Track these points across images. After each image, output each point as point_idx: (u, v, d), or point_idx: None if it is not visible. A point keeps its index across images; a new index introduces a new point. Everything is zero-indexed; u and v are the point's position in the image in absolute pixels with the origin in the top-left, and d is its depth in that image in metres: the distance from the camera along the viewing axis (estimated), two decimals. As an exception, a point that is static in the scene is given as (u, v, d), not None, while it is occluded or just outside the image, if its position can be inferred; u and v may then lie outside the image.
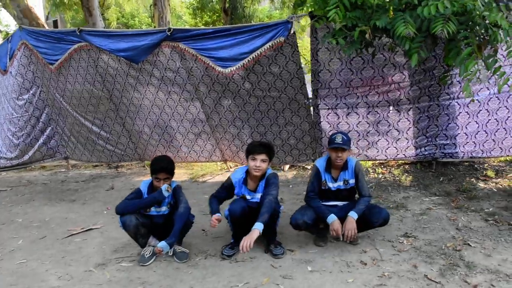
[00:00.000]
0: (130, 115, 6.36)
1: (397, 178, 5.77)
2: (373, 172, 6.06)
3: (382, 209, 3.93)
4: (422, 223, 4.39)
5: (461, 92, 5.40)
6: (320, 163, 4.02)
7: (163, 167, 3.86)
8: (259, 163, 3.80)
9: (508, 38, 4.27)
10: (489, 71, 4.09)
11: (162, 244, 3.62)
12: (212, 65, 5.33)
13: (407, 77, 5.38)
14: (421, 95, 5.43)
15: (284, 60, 5.16)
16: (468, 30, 3.99)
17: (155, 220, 3.94)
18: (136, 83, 5.96)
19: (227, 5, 9.74)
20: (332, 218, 3.76)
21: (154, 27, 12.23)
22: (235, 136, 6.10)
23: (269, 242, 3.90)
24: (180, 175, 6.64)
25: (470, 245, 3.85)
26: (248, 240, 3.43)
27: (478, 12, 3.88)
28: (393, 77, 5.37)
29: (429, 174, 5.78)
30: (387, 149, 5.80)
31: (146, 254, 3.78)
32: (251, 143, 4.02)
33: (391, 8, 4.17)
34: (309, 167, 6.40)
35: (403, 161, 6.18)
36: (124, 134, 6.62)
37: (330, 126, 5.75)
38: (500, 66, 4.22)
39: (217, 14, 11.90)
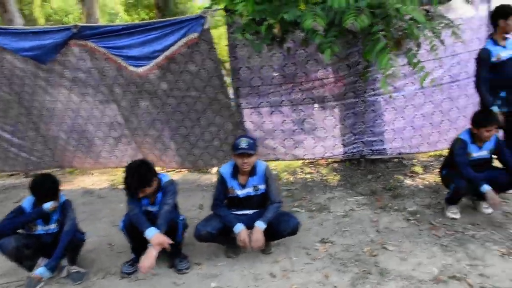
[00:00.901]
0: (43, 120, 5.84)
1: (324, 177, 5.54)
2: (301, 172, 5.81)
3: (291, 217, 3.63)
4: (342, 226, 4.16)
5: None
6: (225, 169, 3.70)
7: (43, 195, 3.39)
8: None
9: (427, 32, 4.12)
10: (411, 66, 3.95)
11: (41, 271, 3.21)
12: (124, 65, 4.92)
13: (331, 73, 5.16)
14: (346, 92, 5.22)
15: (200, 58, 4.82)
16: (384, 24, 3.80)
17: (43, 240, 3.48)
18: (46, 85, 5.45)
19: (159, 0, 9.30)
20: (239, 228, 3.45)
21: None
22: (156, 139, 5.70)
23: (174, 256, 3.55)
24: (101, 182, 6.19)
25: (388, 249, 3.65)
26: (146, 261, 3.10)
27: (391, 5, 3.67)
28: (317, 74, 5.14)
29: (358, 172, 5.58)
30: (314, 148, 5.56)
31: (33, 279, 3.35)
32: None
33: (303, 1, 3.90)
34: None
35: (332, 160, 5.97)
36: (39, 140, 6.08)
37: (254, 126, 5.46)
38: (419, 61, 4.07)
39: (154, 11, 11.37)
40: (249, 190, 3.67)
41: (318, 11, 3.58)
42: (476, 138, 4.07)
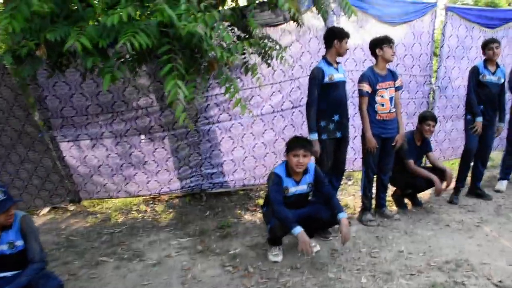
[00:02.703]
0: None
1: (157, 216, 4.86)
2: (136, 211, 5.08)
3: (50, 279, 2.90)
4: (146, 278, 3.47)
5: (220, 115, 4.70)
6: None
7: None
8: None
9: (237, 54, 3.62)
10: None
11: None
12: None
13: (155, 101, 4.54)
14: (175, 121, 4.62)
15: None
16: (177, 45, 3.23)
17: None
18: None
19: None
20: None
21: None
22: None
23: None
24: None
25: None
26: None
27: (179, 23, 3.11)
28: (138, 102, 4.50)
29: (197, 208, 4.96)
30: (147, 183, 4.89)
31: None
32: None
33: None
34: (71, 208, 5.26)
35: (175, 195, 5.31)
36: None
37: (76, 161, 4.69)
38: (230, 86, 3.56)
39: None
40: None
41: (89, 28, 2.94)
42: (291, 171, 3.59)
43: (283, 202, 3.46)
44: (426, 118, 4.57)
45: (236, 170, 4.96)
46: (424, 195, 5.04)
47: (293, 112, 4.99)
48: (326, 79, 3.98)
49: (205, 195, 5.08)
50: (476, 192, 5.06)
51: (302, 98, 5.00)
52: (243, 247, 3.95)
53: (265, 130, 4.92)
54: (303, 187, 3.64)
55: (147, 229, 4.50)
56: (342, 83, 4.13)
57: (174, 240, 4.21)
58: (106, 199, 5.18)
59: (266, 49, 4.03)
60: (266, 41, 3.90)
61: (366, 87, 4.14)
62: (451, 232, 4.17)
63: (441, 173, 4.57)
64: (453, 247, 3.79)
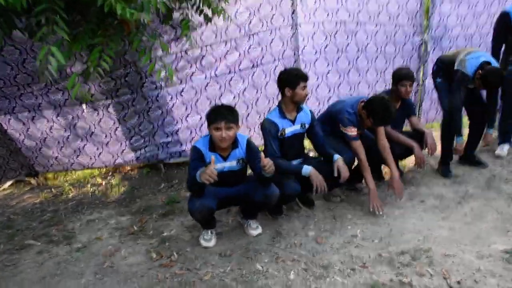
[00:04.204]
0: None
1: (109, 190, 4.43)
2: (91, 184, 4.66)
3: None
4: (61, 266, 3.05)
5: (169, 80, 4.11)
6: None
7: None
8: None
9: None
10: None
11: None
12: None
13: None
14: (119, 87, 4.08)
15: None
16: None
17: None
18: None
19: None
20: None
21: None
22: None
23: None
24: None
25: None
26: None
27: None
28: (73, 68, 3.96)
29: (153, 181, 4.49)
30: (99, 155, 4.44)
31: None
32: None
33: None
34: (33, 181, 4.91)
35: (136, 166, 4.83)
36: None
37: (20, 135, 4.28)
38: (143, 50, 3.00)
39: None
40: None
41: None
42: (215, 145, 3.00)
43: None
44: (401, 77, 3.79)
45: (193, 138, 4.41)
46: (411, 161, 4.25)
47: (254, 72, 4.33)
48: (279, 134, 3.29)
49: (163, 166, 4.58)
50: (469, 158, 4.27)
51: (263, 56, 4.31)
52: (180, 228, 3.48)
53: (222, 93, 4.30)
54: (231, 163, 3.06)
55: (92, 206, 4.09)
56: (299, 136, 3.42)
57: (114, 218, 3.78)
58: (66, 172, 4.79)
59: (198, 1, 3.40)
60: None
61: (354, 131, 3.45)
62: (423, 211, 3.50)
63: (422, 138, 3.84)
64: (418, 232, 3.15)
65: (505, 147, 4.45)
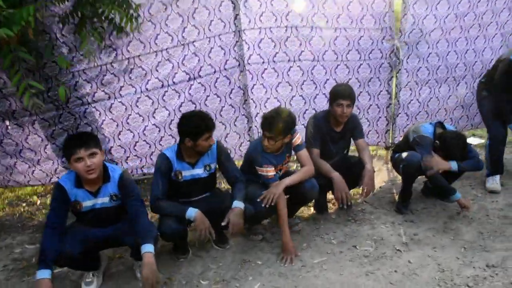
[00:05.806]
0: None
1: (38, 211, 4.08)
2: (27, 202, 4.33)
3: None
4: None
5: (95, 94, 3.71)
6: None
7: None
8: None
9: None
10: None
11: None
12: None
13: (8, 81, 3.64)
14: (46, 103, 3.71)
15: None
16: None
17: None
18: None
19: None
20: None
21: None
22: None
23: None
24: None
25: None
26: None
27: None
28: (-9, 83, 3.64)
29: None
30: (32, 172, 4.11)
31: None
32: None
33: None
34: None
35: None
36: None
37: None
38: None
39: None
40: None
41: None
42: (82, 179, 2.55)
43: (63, 222, 2.48)
44: (335, 96, 3.15)
45: (128, 157, 3.98)
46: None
47: (191, 85, 3.83)
48: (172, 174, 2.85)
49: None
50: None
51: (201, 67, 3.79)
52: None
53: (156, 109, 3.83)
54: (104, 200, 2.59)
55: (12, 229, 3.76)
56: (201, 180, 2.97)
57: (20, 247, 3.42)
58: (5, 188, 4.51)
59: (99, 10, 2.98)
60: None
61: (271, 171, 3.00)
62: (350, 260, 2.87)
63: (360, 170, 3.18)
64: (327, 293, 2.53)
65: (495, 180, 3.72)
